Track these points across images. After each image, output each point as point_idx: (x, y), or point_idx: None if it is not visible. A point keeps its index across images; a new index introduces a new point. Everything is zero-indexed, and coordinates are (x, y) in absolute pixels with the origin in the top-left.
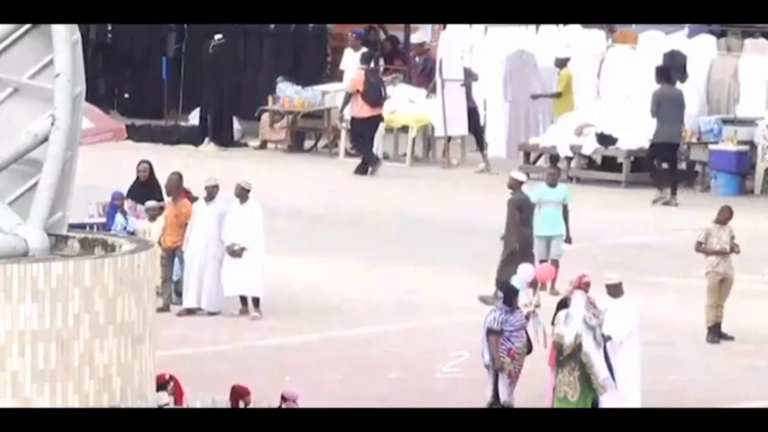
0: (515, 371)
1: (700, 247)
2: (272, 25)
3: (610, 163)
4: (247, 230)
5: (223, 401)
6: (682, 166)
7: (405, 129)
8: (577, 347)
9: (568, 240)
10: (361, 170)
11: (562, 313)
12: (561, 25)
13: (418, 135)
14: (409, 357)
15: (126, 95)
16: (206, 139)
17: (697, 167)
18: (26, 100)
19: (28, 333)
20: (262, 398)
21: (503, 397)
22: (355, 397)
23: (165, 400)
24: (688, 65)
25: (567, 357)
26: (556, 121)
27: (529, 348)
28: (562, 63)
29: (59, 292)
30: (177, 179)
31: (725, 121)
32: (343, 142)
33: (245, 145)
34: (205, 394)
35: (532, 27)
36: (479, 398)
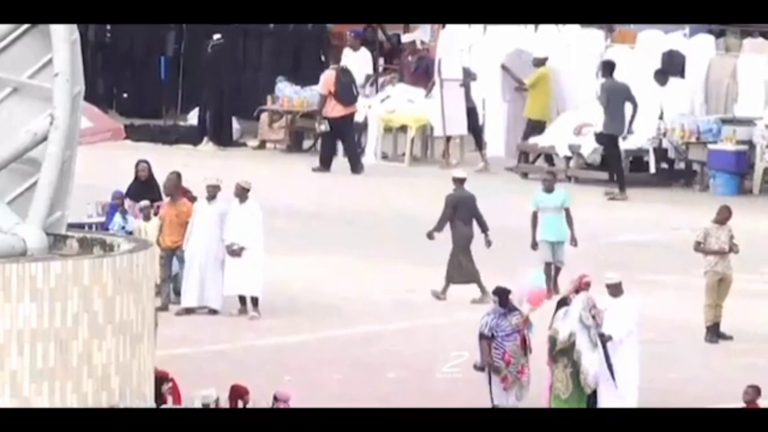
0: (511, 376)
1: (699, 247)
2: (271, 25)
3: (609, 163)
4: (246, 230)
5: (222, 401)
6: (681, 165)
7: (404, 129)
8: (571, 345)
9: (574, 243)
10: (325, 166)
11: (561, 311)
12: (560, 25)
13: (417, 135)
14: (409, 357)
15: (125, 95)
16: (205, 139)
17: (696, 167)
18: (25, 100)
19: (27, 332)
20: (261, 398)
21: (496, 400)
22: (354, 397)
23: (214, 397)
24: (686, 65)
25: (560, 354)
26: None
27: (525, 349)
28: (539, 62)
29: (58, 292)
30: (176, 179)
31: (724, 121)
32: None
33: (244, 144)
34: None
35: (531, 27)
36: (479, 398)
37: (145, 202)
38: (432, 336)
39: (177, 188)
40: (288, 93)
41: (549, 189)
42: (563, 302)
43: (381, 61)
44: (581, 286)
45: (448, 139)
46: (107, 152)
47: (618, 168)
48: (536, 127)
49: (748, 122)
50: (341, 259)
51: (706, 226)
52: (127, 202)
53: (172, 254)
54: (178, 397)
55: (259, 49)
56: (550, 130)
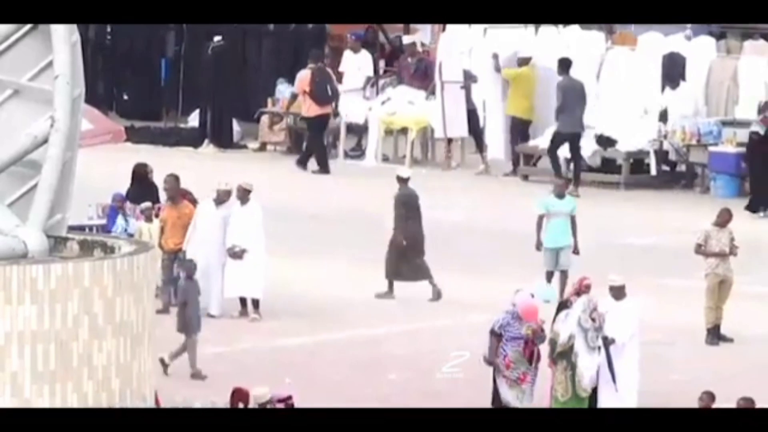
0: (508, 380)
1: (700, 249)
2: (271, 26)
3: (609, 165)
4: (247, 232)
5: (222, 403)
6: (682, 167)
7: (404, 131)
8: (570, 348)
9: (576, 251)
10: (302, 163)
11: (562, 313)
12: (560, 26)
13: (418, 137)
14: (409, 357)
15: (125, 97)
16: (206, 141)
17: (697, 169)
18: (25, 102)
19: (28, 334)
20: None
21: (502, 396)
22: (355, 398)
23: (267, 397)
24: (687, 67)
25: (560, 356)
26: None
27: (530, 358)
28: (523, 62)
29: (58, 294)
30: (174, 181)
31: (725, 123)
32: (343, 144)
33: (244, 146)
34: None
35: (531, 28)
36: (479, 398)
37: (147, 204)
38: (432, 337)
39: (177, 191)
40: (288, 95)
41: (560, 195)
42: (564, 305)
43: (382, 63)
44: (582, 289)
45: (449, 141)
46: (107, 154)
47: (576, 165)
48: (520, 126)
49: (749, 124)
50: (342, 260)
51: (706, 228)
52: (127, 205)
53: (174, 257)
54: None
55: (259, 50)
56: (550, 132)
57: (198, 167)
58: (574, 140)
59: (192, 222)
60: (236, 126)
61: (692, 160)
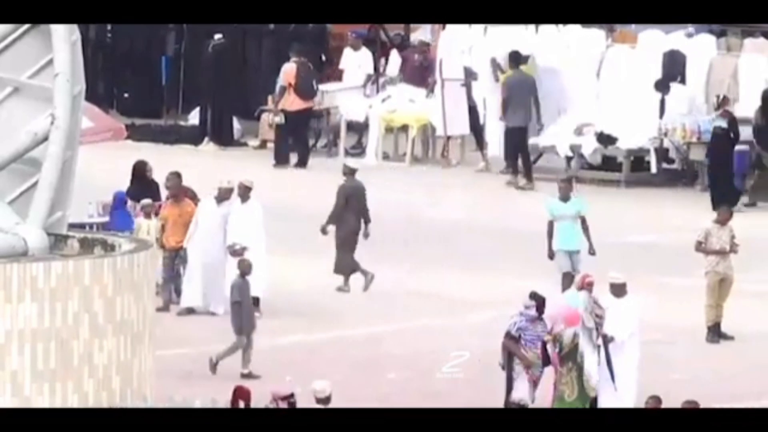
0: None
1: (700, 247)
2: (272, 25)
3: (609, 163)
4: (248, 230)
5: (223, 402)
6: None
7: (405, 128)
8: (575, 347)
9: (592, 251)
10: (282, 161)
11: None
12: (561, 25)
13: (418, 134)
14: (409, 357)
15: (126, 95)
16: (206, 139)
17: (697, 167)
18: (26, 100)
19: (28, 332)
20: (262, 398)
21: (520, 394)
22: (355, 397)
23: (327, 392)
24: (687, 65)
25: (566, 356)
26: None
27: (545, 361)
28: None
29: (59, 292)
30: (176, 179)
31: None
32: (343, 142)
33: (245, 144)
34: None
35: (531, 27)
36: (479, 398)
37: (147, 201)
38: (432, 336)
39: (180, 189)
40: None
41: (565, 198)
42: None
43: (383, 61)
44: (584, 286)
45: (449, 139)
46: (108, 152)
47: (526, 158)
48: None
49: (750, 122)
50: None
51: (707, 226)
52: (128, 203)
53: (175, 255)
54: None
55: (259, 50)
56: (550, 129)
57: (198, 165)
58: (522, 135)
59: (193, 220)
60: (236, 124)
61: (693, 158)
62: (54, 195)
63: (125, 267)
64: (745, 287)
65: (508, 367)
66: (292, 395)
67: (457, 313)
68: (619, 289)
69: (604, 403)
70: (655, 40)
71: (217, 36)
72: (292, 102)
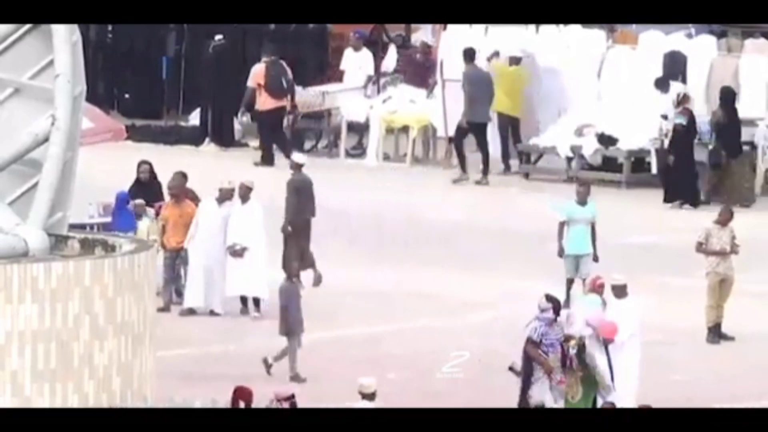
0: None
1: (701, 248)
2: (272, 25)
3: (610, 164)
4: (248, 230)
5: (223, 402)
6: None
7: (405, 129)
8: (581, 347)
9: (595, 258)
10: (268, 161)
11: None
12: (561, 26)
13: (419, 135)
14: (409, 357)
15: (126, 95)
16: (207, 139)
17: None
18: (27, 101)
19: (28, 333)
20: (262, 398)
21: (539, 398)
22: (354, 397)
23: (373, 388)
24: (688, 66)
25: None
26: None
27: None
28: (515, 61)
29: (59, 293)
30: (182, 179)
31: None
32: (344, 143)
33: (246, 145)
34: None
35: (532, 27)
36: (479, 398)
37: (140, 201)
38: (432, 336)
39: (182, 189)
40: None
41: (582, 201)
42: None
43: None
44: (596, 288)
45: (450, 139)
46: (109, 153)
47: (485, 155)
48: (507, 123)
49: (750, 123)
50: (342, 259)
51: (707, 226)
52: (131, 204)
53: (176, 255)
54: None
55: (259, 50)
56: (551, 130)
57: (199, 166)
58: (481, 131)
59: (194, 220)
60: (237, 124)
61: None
62: (54, 196)
63: (126, 268)
64: (746, 288)
65: (525, 372)
66: (293, 396)
67: (457, 313)
68: (620, 291)
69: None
70: (655, 41)
71: (218, 36)
72: (264, 102)
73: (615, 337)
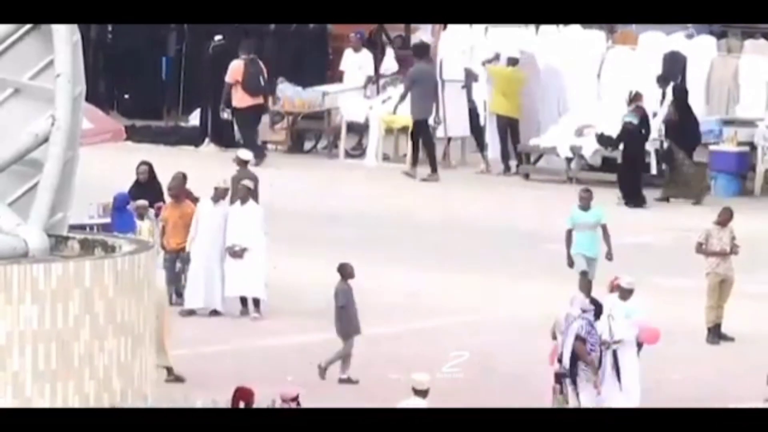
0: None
1: (701, 248)
2: (272, 25)
3: (610, 164)
4: (247, 231)
5: (224, 402)
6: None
7: (405, 130)
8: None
9: (610, 257)
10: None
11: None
12: (561, 26)
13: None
14: (409, 357)
15: (126, 96)
16: (206, 140)
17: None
18: (27, 101)
19: (29, 334)
20: (263, 399)
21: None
22: (355, 397)
23: (426, 385)
24: (688, 66)
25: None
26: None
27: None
28: (512, 62)
29: (59, 293)
30: (182, 179)
31: (725, 122)
32: (344, 143)
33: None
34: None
35: (532, 27)
36: (479, 398)
37: (142, 201)
38: (432, 337)
39: (182, 190)
40: (289, 94)
41: (585, 207)
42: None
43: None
44: (614, 289)
45: (449, 140)
46: (108, 153)
47: (430, 150)
48: (505, 124)
49: (750, 123)
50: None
51: (707, 227)
52: (131, 205)
53: (176, 256)
54: None
55: (260, 50)
56: (551, 131)
57: (199, 166)
58: (425, 127)
59: (194, 221)
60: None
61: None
62: (55, 196)
63: (126, 268)
64: (746, 288)
65: (571, 372)
66: (298, 396)
67: (457, 314)
68: (627, 294)
69: (610, 403)
70: (655, 42)
71: (218, 37)
72: (241, 99)
73: (657, 341)
